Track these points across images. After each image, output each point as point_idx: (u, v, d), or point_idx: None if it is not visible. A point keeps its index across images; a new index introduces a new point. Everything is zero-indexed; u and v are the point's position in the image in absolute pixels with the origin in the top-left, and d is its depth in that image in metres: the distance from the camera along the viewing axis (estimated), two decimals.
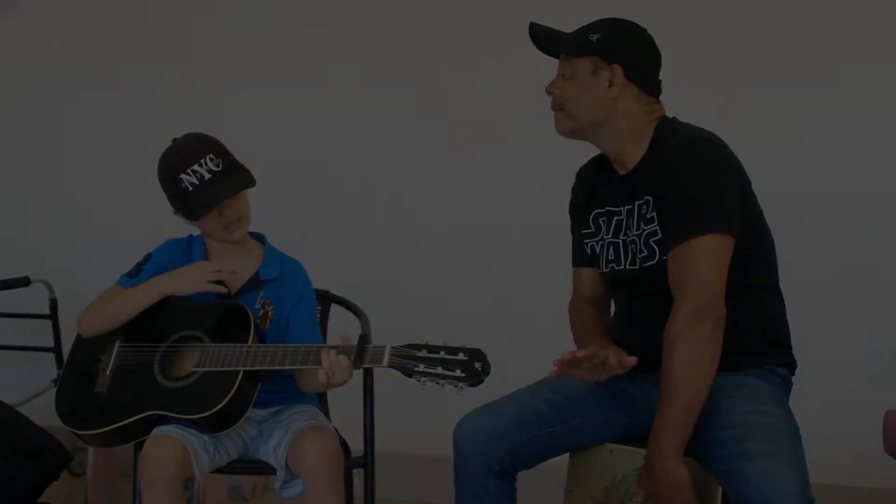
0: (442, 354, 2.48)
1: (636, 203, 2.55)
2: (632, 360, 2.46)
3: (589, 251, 2.69)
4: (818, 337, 3.35)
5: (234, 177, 2.74)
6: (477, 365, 2.46)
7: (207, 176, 2.70)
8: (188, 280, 2.77)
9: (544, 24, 2.64)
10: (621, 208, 2.60)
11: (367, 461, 2.86)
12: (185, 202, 2.72)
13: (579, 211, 2.72)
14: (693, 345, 2.35)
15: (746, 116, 3.66)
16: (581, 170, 2.78)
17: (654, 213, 2.50)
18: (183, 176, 2.70)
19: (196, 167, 2.69)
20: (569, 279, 2.79)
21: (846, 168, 3.68)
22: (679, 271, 2.41)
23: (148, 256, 2.88)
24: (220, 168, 2.71)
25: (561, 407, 2.57)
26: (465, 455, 2.54)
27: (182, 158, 2.72)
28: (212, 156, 2.72)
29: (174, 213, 2.81)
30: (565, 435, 2.58)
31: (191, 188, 2.70)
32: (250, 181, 2.75)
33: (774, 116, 3.71)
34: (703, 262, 2.39)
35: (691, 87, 3.32)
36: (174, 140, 2.81)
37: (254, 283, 2.85)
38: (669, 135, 2.53)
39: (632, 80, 2.54)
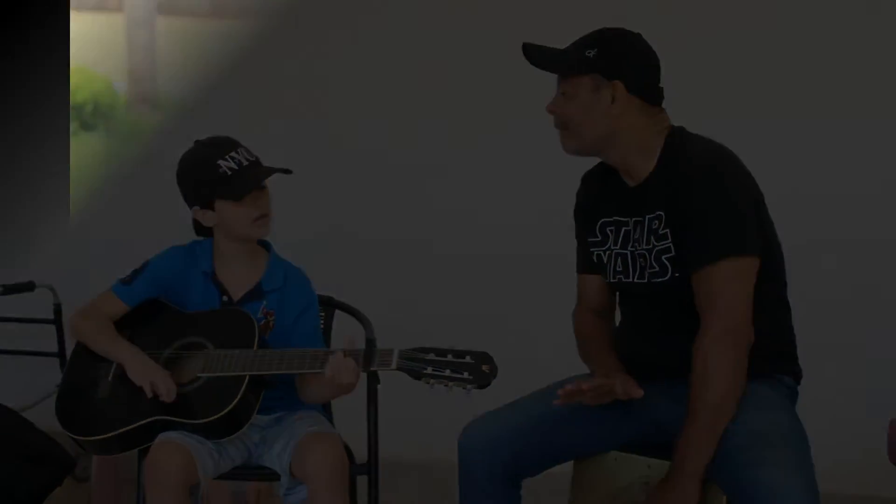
0: (449, 357, 2.52)
1: (646, 216, 2.53)
2: (638, 392, 2.46)
3: (595, 259, 2.67)
4: (823, 346, 3.34)
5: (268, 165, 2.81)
6: (484, 367, 2.50)
7: (245, 162, 2.76)
8: (140, 374, 2.71)
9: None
10: (629, 219, 2.57)
11: (370, 468, 2.85)
12: (228, 184, 2.74)
13: (585, 217, 2.70)
14: (722, 367, 2.37)
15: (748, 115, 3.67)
16: (587, 174, 2.74)
17: (666, 230, 2.48)
18: (221, 162, 2.74)
19: (233, 154, 2.76)
20: (574, 286, 2.78)
21: (848, 174, 3.68)
22: (707, 293, 2.41)
23: (145, 265, 2.87)
24: (253, 158, 2.79)
25: (565, 414, 2.55)
26: (470, 462, 2.54)
27: (217, 148, 2.78)
28: (242, 148, 2.79)
29: (198, 207, 2.80)
30: (570, 442, 2.58)
31: (229, 172, 2.74)
32: (286, 168, 2.80)
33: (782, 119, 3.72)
34: (731, 285, 2.40)
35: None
36: (197, 141, 2.85)
37: (256, 293, 2.85)
38: (681, 149, 2.51)
39: (634, 94, 2.52)
